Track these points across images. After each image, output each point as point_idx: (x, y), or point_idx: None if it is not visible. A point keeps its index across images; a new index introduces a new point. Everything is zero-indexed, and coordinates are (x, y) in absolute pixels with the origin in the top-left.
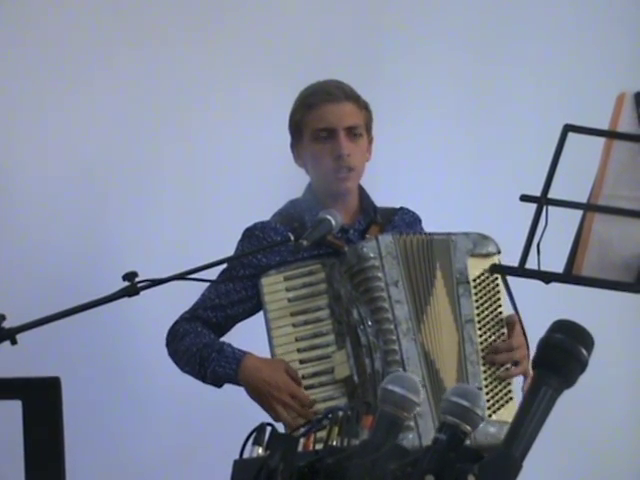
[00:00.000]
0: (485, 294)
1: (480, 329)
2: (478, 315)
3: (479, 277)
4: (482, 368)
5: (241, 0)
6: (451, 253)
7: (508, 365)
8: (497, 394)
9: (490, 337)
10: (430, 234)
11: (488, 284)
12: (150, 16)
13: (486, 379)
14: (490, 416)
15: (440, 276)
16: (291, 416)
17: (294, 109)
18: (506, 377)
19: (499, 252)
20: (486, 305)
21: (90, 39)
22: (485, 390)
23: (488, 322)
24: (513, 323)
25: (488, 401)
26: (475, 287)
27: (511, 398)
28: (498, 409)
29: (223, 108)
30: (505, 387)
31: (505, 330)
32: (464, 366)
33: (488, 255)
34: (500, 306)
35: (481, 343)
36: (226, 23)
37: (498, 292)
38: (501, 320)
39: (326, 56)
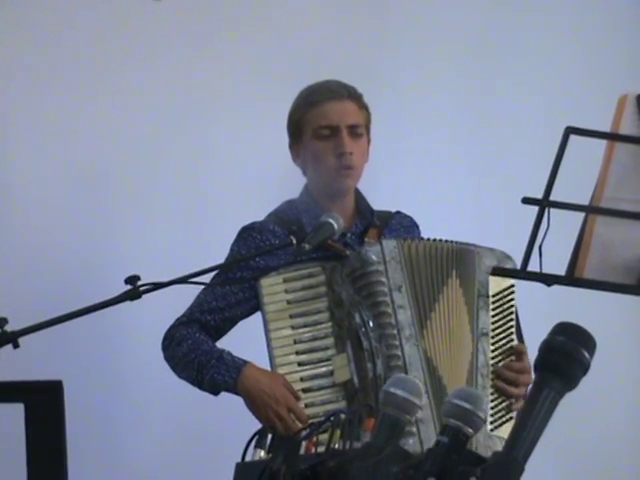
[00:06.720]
0: (500, 312)
1: (492, 344)
2: (492, 331)
3: (497, 294)
4: (490, 383)
5: (242, 8)
6: (475, 265)
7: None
8: (501, 410)
9: (500, 355)
10: (448, 242)
11: (504, 303)
12: (154, 24)
13: (493, 394)
14: (492, 431)
15: (458, 285)
16: (286, 430)
17: (294, 107)
18: (507, 394)
19: None
20: (500, 323)
21: (94, 44)
22: (490, 405)
23: (500, 339)
24: (521, 351)
25: (492, 416)
26: (493, 303)
27: (512, 417)
28: (500, 425)
29: (224, 112)
30: (508, 405)
31: (513, 352)
32: (475, 377)
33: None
34: (512, 327)
35: (492, 358)
36: (227, 32)
37: (511, 313)
38: (512, 340)
39: (327, 63)
